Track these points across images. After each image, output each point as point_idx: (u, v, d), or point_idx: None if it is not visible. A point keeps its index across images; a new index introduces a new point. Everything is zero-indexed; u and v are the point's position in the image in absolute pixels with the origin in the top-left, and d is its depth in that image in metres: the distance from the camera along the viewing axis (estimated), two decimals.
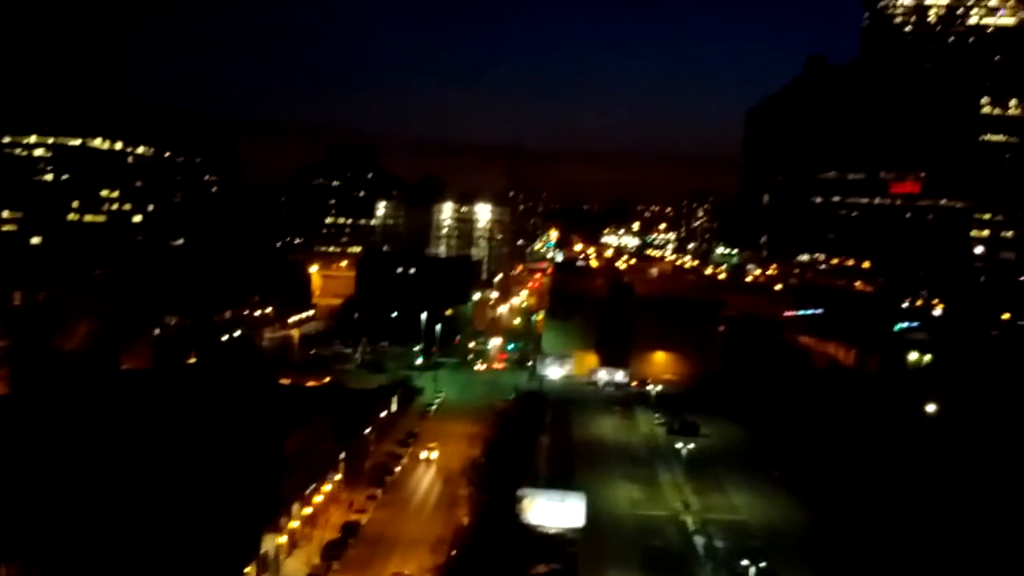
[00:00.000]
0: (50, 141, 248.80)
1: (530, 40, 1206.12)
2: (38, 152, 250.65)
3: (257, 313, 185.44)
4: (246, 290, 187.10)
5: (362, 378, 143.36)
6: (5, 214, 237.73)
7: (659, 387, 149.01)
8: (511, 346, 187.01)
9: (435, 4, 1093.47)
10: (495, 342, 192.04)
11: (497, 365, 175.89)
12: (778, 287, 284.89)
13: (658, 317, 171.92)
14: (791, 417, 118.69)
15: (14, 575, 62.94)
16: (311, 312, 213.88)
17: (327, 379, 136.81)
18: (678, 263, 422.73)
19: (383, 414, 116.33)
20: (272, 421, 79.58)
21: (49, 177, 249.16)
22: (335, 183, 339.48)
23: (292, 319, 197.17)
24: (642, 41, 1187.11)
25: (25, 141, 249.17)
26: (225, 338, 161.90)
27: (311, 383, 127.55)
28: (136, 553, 63.10)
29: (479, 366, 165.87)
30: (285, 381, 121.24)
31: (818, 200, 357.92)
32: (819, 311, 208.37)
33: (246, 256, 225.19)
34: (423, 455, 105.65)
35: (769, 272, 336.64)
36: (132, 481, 69.86)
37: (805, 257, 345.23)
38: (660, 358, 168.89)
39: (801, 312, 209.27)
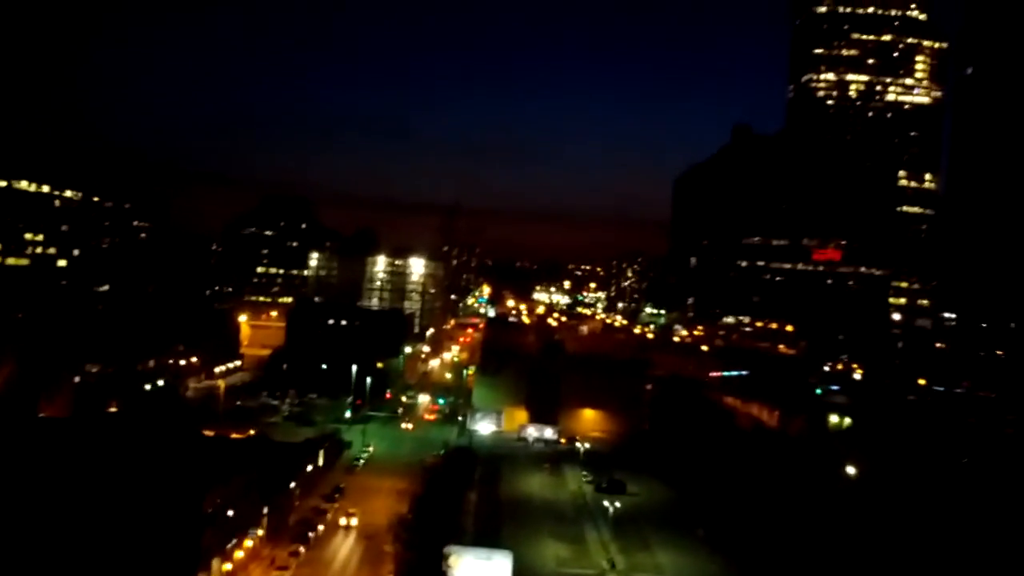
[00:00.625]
0: None
1: (465, 101, 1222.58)
2: None
3: (182, 362, 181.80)
4: (171, 338, 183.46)
5: (289, 431, 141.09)
6: None
7: (587, 444, 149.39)
8: (441, 400, 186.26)
9: (369, 62, 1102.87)
10: (424, 398, 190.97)
11: (428, 416, 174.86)
12: (704, 348, 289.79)
13: (587, 375, 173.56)
14: (716, 476, 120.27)
15: None
16: (238, 362, 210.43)
17: (252, 431, 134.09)
18: (608, 321, 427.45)
19: (309, 468, 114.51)
20: (194, 474, 78.04)
21: None
22: (268, 233, 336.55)
23: (218, 369, 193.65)
24: (577, 106, 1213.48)
25: None
26: (148, 387, 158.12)
27: (236, 435, 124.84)
28: None
29: (406, 424, 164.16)
30: (209, 433, 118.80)
31: (743, 264, 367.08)
32: (744, 372, 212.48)
33: (173, 304, 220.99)
34: (344, 518, 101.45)
35: (696, 333, 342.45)
36: (48, 533, 67.88)
37: (730, 319, 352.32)
38: (589, 415, 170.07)
39: (726, 373, 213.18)
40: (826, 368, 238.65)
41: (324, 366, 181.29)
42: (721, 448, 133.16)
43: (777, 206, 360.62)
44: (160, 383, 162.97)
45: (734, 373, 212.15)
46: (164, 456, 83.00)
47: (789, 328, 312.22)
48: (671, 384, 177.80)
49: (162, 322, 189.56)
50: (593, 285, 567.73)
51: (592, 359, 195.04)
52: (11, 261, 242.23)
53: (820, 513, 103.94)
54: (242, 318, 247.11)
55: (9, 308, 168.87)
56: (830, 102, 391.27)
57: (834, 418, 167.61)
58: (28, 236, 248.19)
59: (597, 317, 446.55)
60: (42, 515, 68.40)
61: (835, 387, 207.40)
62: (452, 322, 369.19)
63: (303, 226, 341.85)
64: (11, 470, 74.43)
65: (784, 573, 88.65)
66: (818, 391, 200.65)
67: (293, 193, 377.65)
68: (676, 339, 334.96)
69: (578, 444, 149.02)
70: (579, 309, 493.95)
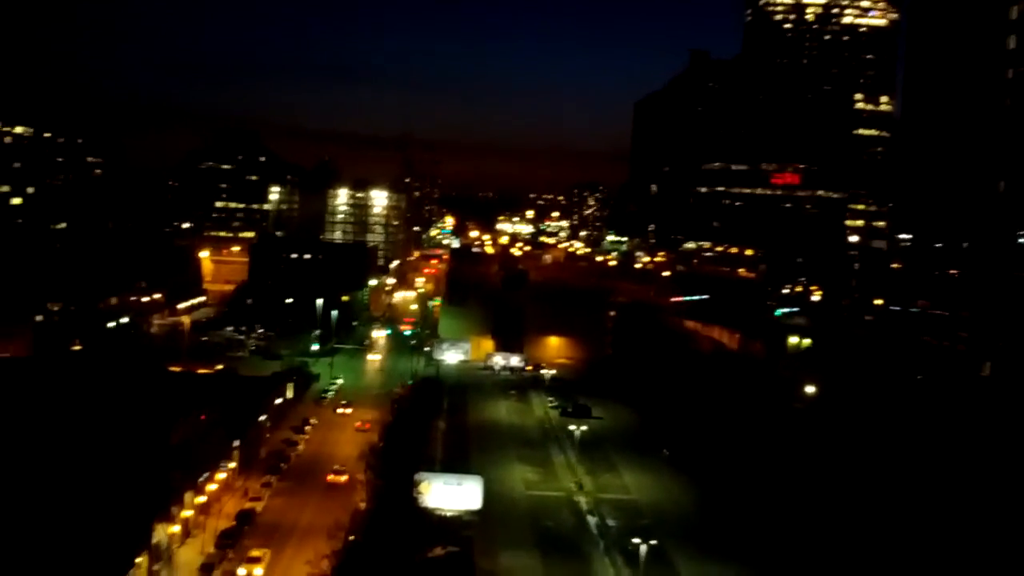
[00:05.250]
0: None
1: (419, 32, 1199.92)
2: None
3: (145, 299, 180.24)
4: (133, 275, 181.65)
5: (256, 365, 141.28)
6: None
7: (552, 371, 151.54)
8: (409, 332, 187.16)
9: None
10: (380, 333, 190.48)
11: (405, 328, 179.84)
12: (666, 274, 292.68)
13: (551, 303, 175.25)
14: (678, 399, 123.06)
15: None
16: (202, 298, 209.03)
17: (219, 367, 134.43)
18: (570, 250, 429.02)
19: (278, 401, 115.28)
20: (160, 409, 78.10)
21: None
22: (225, 167, 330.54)
23: (182, 305, 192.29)
24: (534, 34, 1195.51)
25: None
26: (111, 325, 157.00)
27: (202, 371, 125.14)
28: (21, 546, 61.42)
29: (372, 356, 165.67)
30: (175, 369, 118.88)
31: (703, 190, 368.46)
32: (704, 297, 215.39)
33: (132, 241, 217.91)
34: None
35: (657, 259, 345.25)
36: (13, 472, 67.80)
37: (691, 245, 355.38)
38: (553, 343, 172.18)
39: (687, 298, 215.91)
40: (785, 291, 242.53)
41: (289, 300, 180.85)
42: (682, 372, 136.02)
43: (736, 131, 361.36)
44: (123, 320, 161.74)
45: (695, 298, 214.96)
46: (129, 392, 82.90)
47: (749, 252, 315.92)
48: (633, 310, 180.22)
49: (122, 259, 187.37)
50: (556, 215, 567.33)
51: (555, 287, 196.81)
52: None
53: (779, 432, 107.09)
54: (204, 254, 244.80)
55: None
56: (787, 25, 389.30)
57: (793, 339, 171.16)
58: None
59: (560, 246, 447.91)
60: (8, 456, 68.26)
61: (794, 309, 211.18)
62: (416, 254, 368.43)
63: (261, 160, 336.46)
64: None
65: (745, 490, 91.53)
66: (777, 313, 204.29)
67: (247, 127, 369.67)
68: (638, 266, 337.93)
69: (543, 371, 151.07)
70: (542, 239, 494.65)
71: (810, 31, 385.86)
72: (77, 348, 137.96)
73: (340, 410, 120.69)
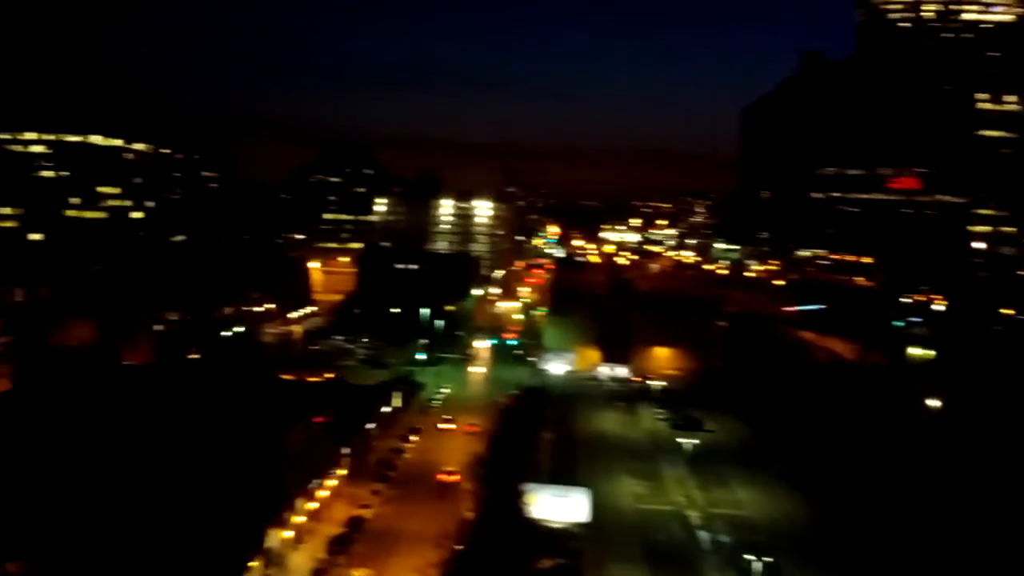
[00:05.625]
0: (49, 138, 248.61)
1: (525, 39, 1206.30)
2: (37, 149, 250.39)
3: (258, 309, 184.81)
4: (246, 286, 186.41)
5: (364, 374, 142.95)
6: (5, 211, 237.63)
7: (661, 383, 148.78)
8: (513, 342, 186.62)
9: (428, 6, 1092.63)
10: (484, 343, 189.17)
11: (509, 337, 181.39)
12: (778, 283, 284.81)
13: (659, 313, 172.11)
14: (793, 413, 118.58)
15: (17, 572, 62.74)
16: (313, 308, 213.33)
17: (329, 375, 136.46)
18: (678, 258, 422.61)
19: (386, 410, 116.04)
20: (275, 416, 79.35)
21: (49, 174, 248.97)
22: (333, 179, 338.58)
23: (293, 315, 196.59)
24: (639, 39, 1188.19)
25: (24, 138, 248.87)
26: (226, 333, 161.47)
27: (313, 379, 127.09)
28: (140, 549, 62.93)
29: (476, 366, 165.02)
30: (287, 377, 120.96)
31: (817, 196, 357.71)
32: (820, 307, 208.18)
33: (245, 252, 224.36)
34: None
35: (769, 268, 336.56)
36: (134, 477, 69.66)
37: (805, 253, 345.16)
38: (661, 354, 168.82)
39: (802, 308, 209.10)
40: (906, 300, 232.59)
41: (395, 310, 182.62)
42: (797, 384, 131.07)
43: (851, 135, 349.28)
44: (237, 329, 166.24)
45: (810, 307, 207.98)
46: (245, 400, 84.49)
47: (866, 260, 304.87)
48: (745, 320, 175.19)
49: (236, 270, 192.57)
50: (663, 222, 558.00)
51: (663, 297, 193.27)
52: (88, 214, 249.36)
53: (900, 449, 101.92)
54: (314, 264, 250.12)
55: (89, 260, 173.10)
56: (903, 24, 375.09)
57: (915, 351, 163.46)
58: (103, 189, 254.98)
59: (667, 255, 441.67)
60: (129, 461, 70.21)
61: (916, 319, 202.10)
62: (520, 264, 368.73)
63: (367, 172, 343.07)
64: (99, 418, 76.53)
65: (865, 508, 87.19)
66: (898, 323, 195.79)
67: (354, 139, 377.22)
68: (749, 275, 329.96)
69: (651, 382, 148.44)
70: (648, 247, 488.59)
71: (928, 29, 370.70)
72: (194, 356, 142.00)
73: (442, 425, 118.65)
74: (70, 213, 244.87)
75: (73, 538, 64.26)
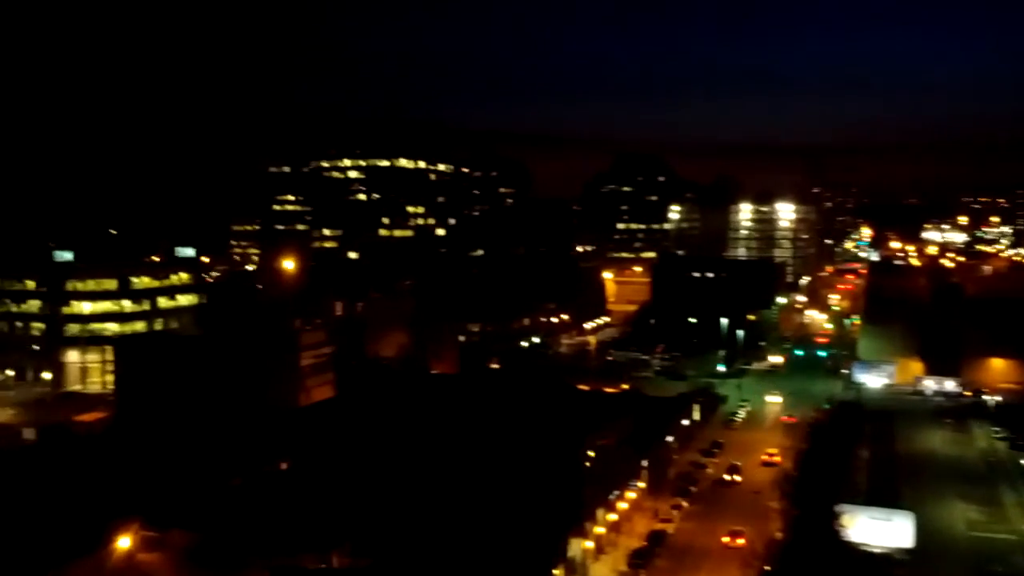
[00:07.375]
0: (362, 164, 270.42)
1: (823, 36, 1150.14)
2: (352, 174, 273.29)
3: (553, 320, 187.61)
4: (542, 297, 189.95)
5: (661, 385, 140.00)
6: (327, 232, 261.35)
7: (997, 397, 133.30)
8: (823, 353, 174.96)
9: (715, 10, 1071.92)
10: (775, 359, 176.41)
11: (818, 348, 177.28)
12: None
13: (993, 320, 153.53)
14: None
15: (344, 563, 66.30)
16: (607, 319, 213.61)
17: (625, 386, 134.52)
18: (1016, 259, 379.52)
19: (685, 423, 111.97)
20: (574, 426, 78.70)
21: (362, 197, 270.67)
22: (625, 189, 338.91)
23: (587, 325, 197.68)
24: (956, 26, 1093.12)
25: (341, 164, 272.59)
26: (524, 344, 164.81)
27: (609, 390, 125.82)
28: (450, 548, 64.34)
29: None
30: (583, 387, 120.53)
31: None
32: None
33: (541, 264, 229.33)
34: (727, 475, 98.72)
35: None
36: (445, 481, 72.07)
37: None
38: (998, 365, 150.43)
39: None
40: None
41: (692, 320, 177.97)
42: None
43: None
44: (535, 340, 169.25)
45: None
46: (546, 409, 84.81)
47: None
48: None
49: (532, 282, 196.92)
50: (995, 219, 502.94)
51: (999, 302, 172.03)
52: (398, 233, 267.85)
53: None
54: (607, 275, 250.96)
55: (399, 276, 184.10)
56: None
57: None
58: (410, 209, 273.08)
59: (1002, 255, 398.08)
60: (440, 466, 72.89)
61: None
62: (829, 269, 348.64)
63: (660, 179, 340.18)
64: (410, 424, 79.94)
65: None
66: None
67: (644, 150, 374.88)
68: None
69: (986, 397, 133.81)
70: (979, 247, 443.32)
71: None
72: (495, 366, 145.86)
73: (728, 477, 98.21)
74: (382, 232, 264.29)
75: (390, 536, 67.17)
